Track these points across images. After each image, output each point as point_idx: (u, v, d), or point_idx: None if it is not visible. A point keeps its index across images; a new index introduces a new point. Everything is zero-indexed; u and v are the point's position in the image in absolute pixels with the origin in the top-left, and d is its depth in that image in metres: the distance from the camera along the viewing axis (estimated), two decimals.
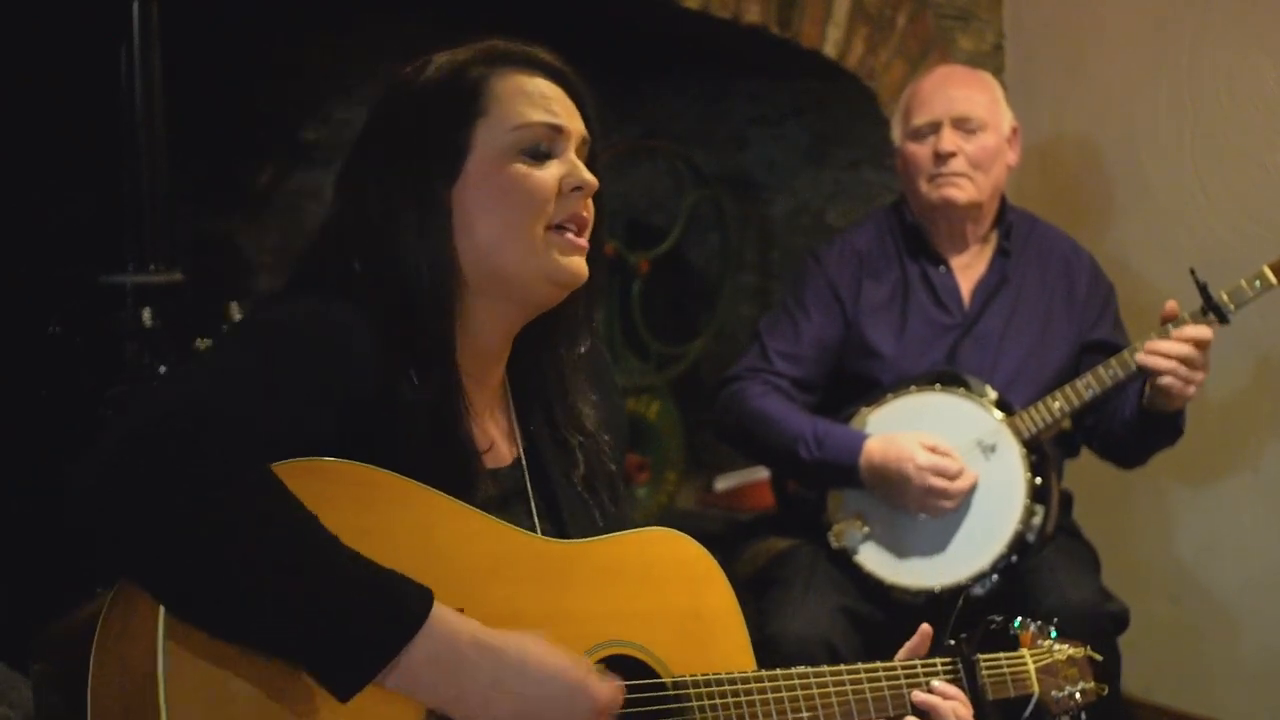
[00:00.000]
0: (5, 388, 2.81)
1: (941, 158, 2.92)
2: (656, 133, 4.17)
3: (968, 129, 2.93)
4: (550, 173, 1.62)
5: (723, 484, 4.07)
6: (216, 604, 1.34)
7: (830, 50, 3.54)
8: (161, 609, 1.34)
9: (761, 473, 3.70)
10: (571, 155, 1.64)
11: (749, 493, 3.94)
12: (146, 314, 2.54)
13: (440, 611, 1.40)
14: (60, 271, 2.79)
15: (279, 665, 1.37)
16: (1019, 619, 1.99)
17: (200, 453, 1.34)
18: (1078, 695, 1.99)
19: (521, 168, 1.60)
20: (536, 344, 1.71)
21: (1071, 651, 2.01)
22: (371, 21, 3.22)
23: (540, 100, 1.63)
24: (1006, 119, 3.01)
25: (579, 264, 1.64)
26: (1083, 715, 2.00)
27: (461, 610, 1.46)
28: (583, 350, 1.75)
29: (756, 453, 3.11)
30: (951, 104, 2.94)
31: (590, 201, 1.67)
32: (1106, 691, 2.04)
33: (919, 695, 1.80)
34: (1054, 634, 2.01)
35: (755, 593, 2.85)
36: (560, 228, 1.63)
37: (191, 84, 2.70)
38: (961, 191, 2.92)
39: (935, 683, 1.82)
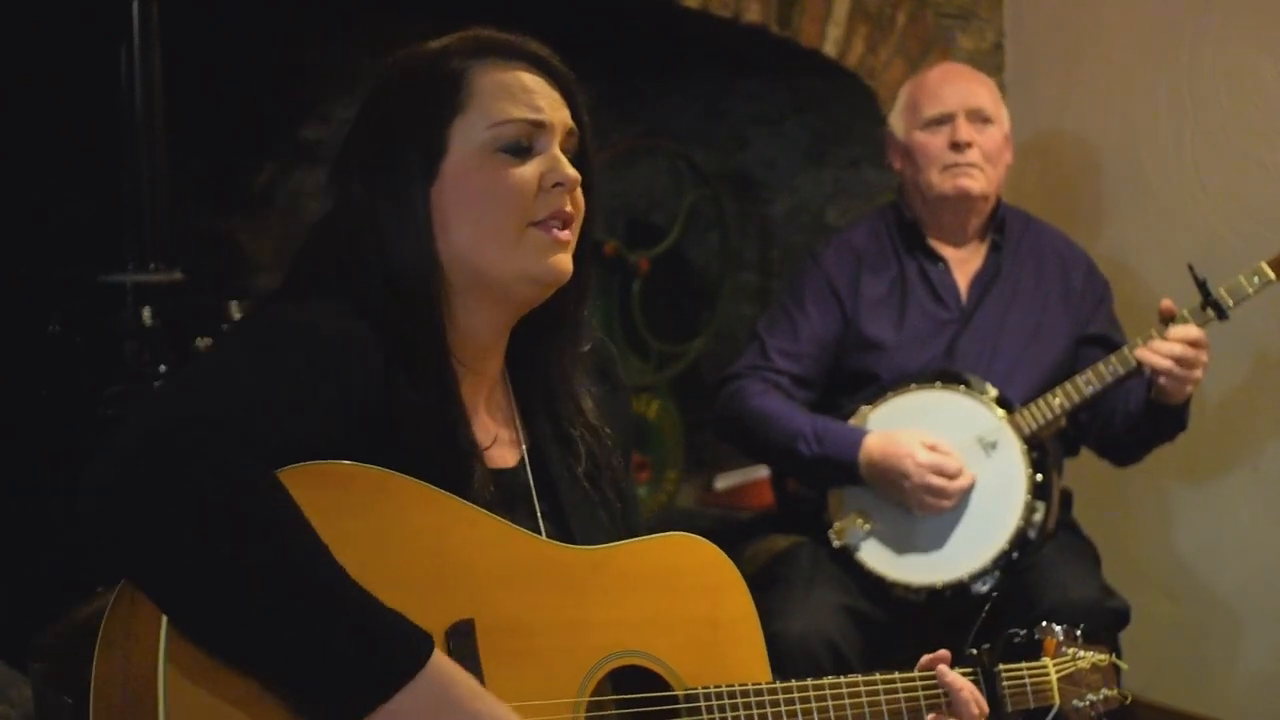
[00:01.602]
0: (5, 387, 2.81)
1: (959, 147, 2.92)
2: (656, 131, 4.17)
3: (981, 120, 2.95)
4: (530, 169, 1.58)
5: (723, 483, 4.07)
6: (213, 621, 1.32)
7: (830, 49, 3.54)
8: (164, 623, 1.32)
9: (762, 471, 3.70)
10: (554, 150, 1.60)
11: (749, 491, 3.94)
12: (146, 313, 2.54)
13: (439, 660, 1.37)
14: (60, 271, 2.79)
15: (274, 693, 1.35)
16: (1044, 623, 1.96)
17: (206, 461, 1.33)
18: (1100, 705, 1.96)
19: (500, 165, 1.57)
20: (535, 341, 1.69)
21: (1096, 659, 1.98)
22: (371, 21, 3.22)
23: (521, 94, 1.59)
24: (1007, 116, 3.03)
25: (561, 261, 1.60)
26: None
27: (473, 619, 1.45)
28: (586, 346, 1.73)
29: (757, 451, 3.11)
30: (966, 96, 2.96)
31: (578, 194, 1.62)
32: (1129, 699, 2.02)
33: (943, 670, 1.78)
34: (1079, 639, 1.98)
35: (757, 591, 2.84)
36: (543, 224, 1.59)
37: (191, 84, 2.70)
38: (975, 182, 2.93)
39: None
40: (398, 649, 1.35)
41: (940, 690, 1.78)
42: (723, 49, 3.73)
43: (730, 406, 2.97)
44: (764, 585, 2.87)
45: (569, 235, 1.61)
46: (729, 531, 3.61)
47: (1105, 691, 1.98)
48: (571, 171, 1.60)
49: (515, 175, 1.57)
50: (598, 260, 3.93)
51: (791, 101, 4.02)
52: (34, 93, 2.87)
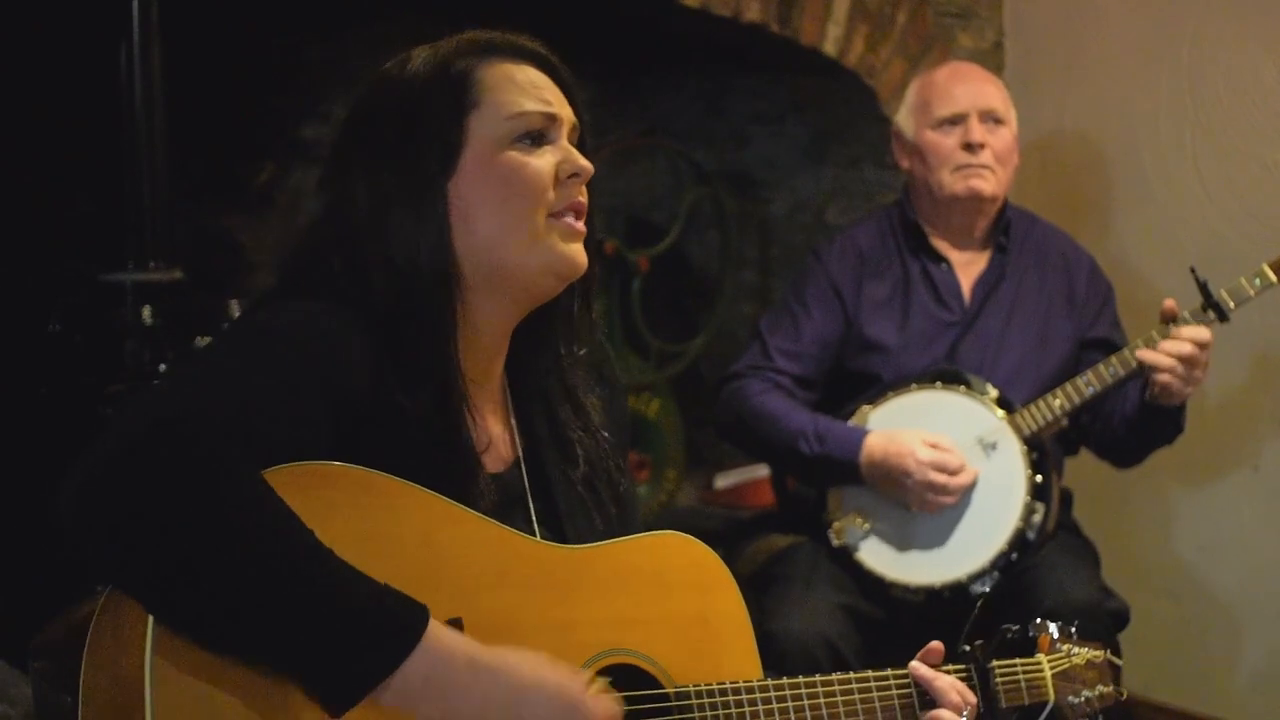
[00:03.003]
0: (5, 386, 2.82)
1: (972, 148, 2.92)
2: (656, 130, 4.17)
3: (993, 121, 2.95)
4: (546, 160, 1.60)
5: (723, 482, 4.07)
6: (206, 615, 1.32)
7: (830, 48, 3.54)
8: (150, 618, 1.32)
9: (762, 470, 3.70)
10: (565, 142, 1.62)
11: (749, 490, 3.94)
12: (147, 312, 2.54)
13: (436, 628, 1.38)
14: (60, 269, 2.80)
15: (267, 676, 1.35)
16: (1038, 620, 1.96)
17: (191, 461, 1.32)
18: (1096, 702, 1.96)
19: (519, 156, 1.58)
20: (534, 342, 1.69)
21: (1091, 655, 1.98)
22: (371, 21, 3.22)
23: (531, 89, 1.61)
24: (1015, 117, 3.02)
25: (579, 251, 1.62)
26: (1100, 719, 1.98)
27: (460, 619, 1.45)
28: (583, 350, 1.73)
29: (757, 450, 3.11)
30: (978, 96, 2.96)
31: (584, 188, 1.64)
32: (1125, 696, 2.02)
33: (919, 668, 1.78)
34: (1074, 636, 1.98)
35: (756, 590, 2.85)
36: (560, 215, 1.60)
37: (191, 83, 2.70)
38: (987, 183, 2.93)
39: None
40: (396, 622, 1.36)
41: (917, 690, 1.77)
42: (723, 48, 3.73)
43: (731, 406, 2.97)
44: (763, 584, 2.88)
45: (584, 226, 1.63)
46: (729, 531, 3.61)
47: (1101, 688, 1.97)
48: (586, 162, 1.62)
49: (535, 165, 1.59)
50: (598, 259, 3.93)
51: (791, 100, 4.02)
52: (34, 92, 2.87)
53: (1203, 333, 2.71)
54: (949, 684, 1.77)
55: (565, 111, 1.63)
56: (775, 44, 3.47)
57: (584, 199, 1.63)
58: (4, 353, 2.83)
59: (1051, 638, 1.95)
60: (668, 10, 3.22)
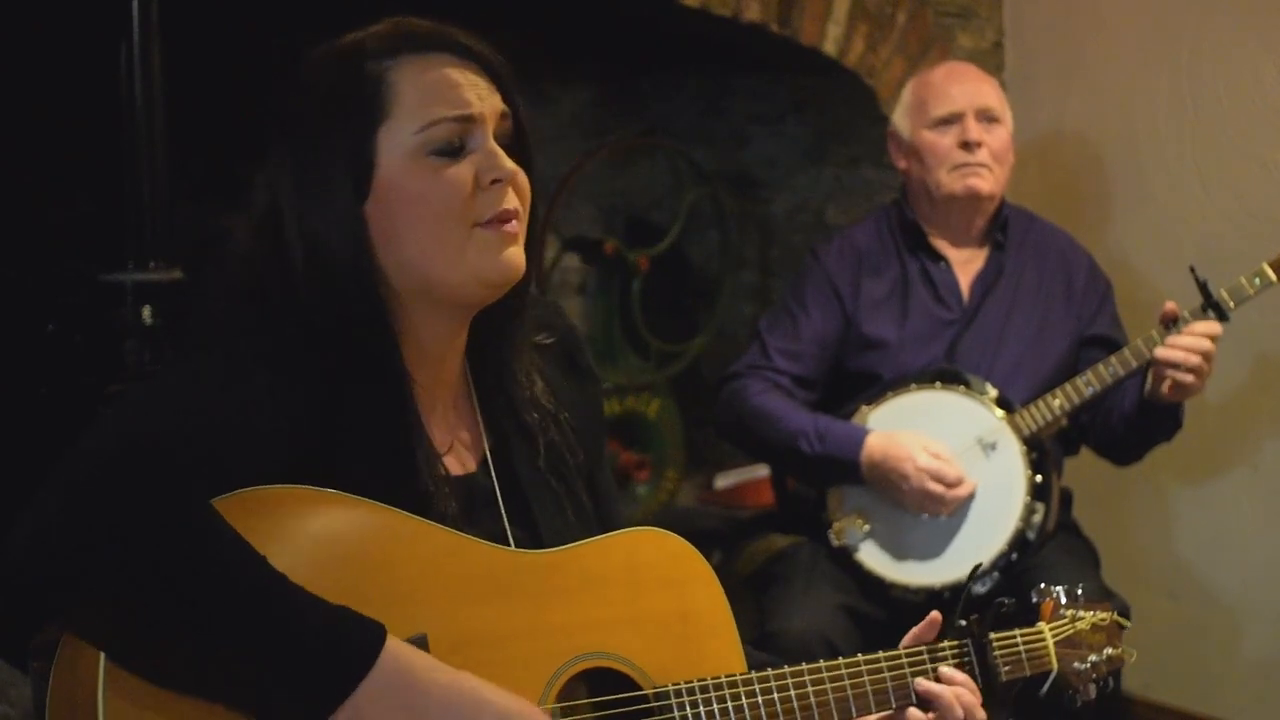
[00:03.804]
0: (5, 386, 2.82)
1: (969, 147, 2.92)
2: (656, 130, 4.17)
3: (989, 120, 2.95)
4: (465, 169, 1.51)
5: (723, 482, 4.07)
6: (156, 651, 1.31)
7: (830, 48, 3.54)
8: (102, 658, 1.31)
9: (762, 470, 3.70)
10: (489, 144, 1.52)
11: (749, 490, 3.94)
12: (147, 312, 2.53)
13: (394, 647, 1.36)
14: (60, 269, 2.79)
15: (223, 711, 1.33)
16: (1042, 584, 1.93)
17: (135, 494, 1.30)
18: (1103, 665, 1.91)
19: (433, 170, 1.50)
20: (492, 335, 1.63)
21: (1096, 618, 1.93)
22: (371, 21, 3.22)
23: (446, 90, 1.51)
24: (1010, 116, 3.03)
25: (513, 256, 1.53)
26: (1110, 681, 1.93)
27: (425, 635, 1.42)
28: (544, 335, 1.69)
29: (757, 449, 3.11)
30: (974, 95, 2.96)
31: (520, 180, 1.54)
32: (1134, 657, 1.96)
33: (922, 683, 1.71)
34: (1080, 599, 1.92)
35: (755, 590, 2.85)
36: (488, 223, 1.52)
37: (191, 83, 2.70)
38: (984, 182, 2.93)
39: (942, 669, 1.73)
40: (351, 642, 1.34)
41: (928, 666, 1.73)
42: (723, 48, 3.73)
43: (731, 405, 2.97)
44: (763, 584, 2.88)
45: (516, 227, 1.54)
46: (729, 531, 3.62)
47: (1109, 651, 1.92)
48: (508, 164, 1.53)
49: (451, 178, 1.50)
50: (598, 259, 3.94)
51: (791, 100, 4.02)
52: (34, 91, 2.87)
53: (1215, 327, 2.71)
54: (954, 700, 1.71)
55: (488, 105, 1.53)
56: (775, 44, 3.47)
57: (512, 204, 1.53)
58: (4, 353, 2.83)
59: (1057, 603, 1.91)
60: (668, 10, 3.22)
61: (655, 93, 4.20)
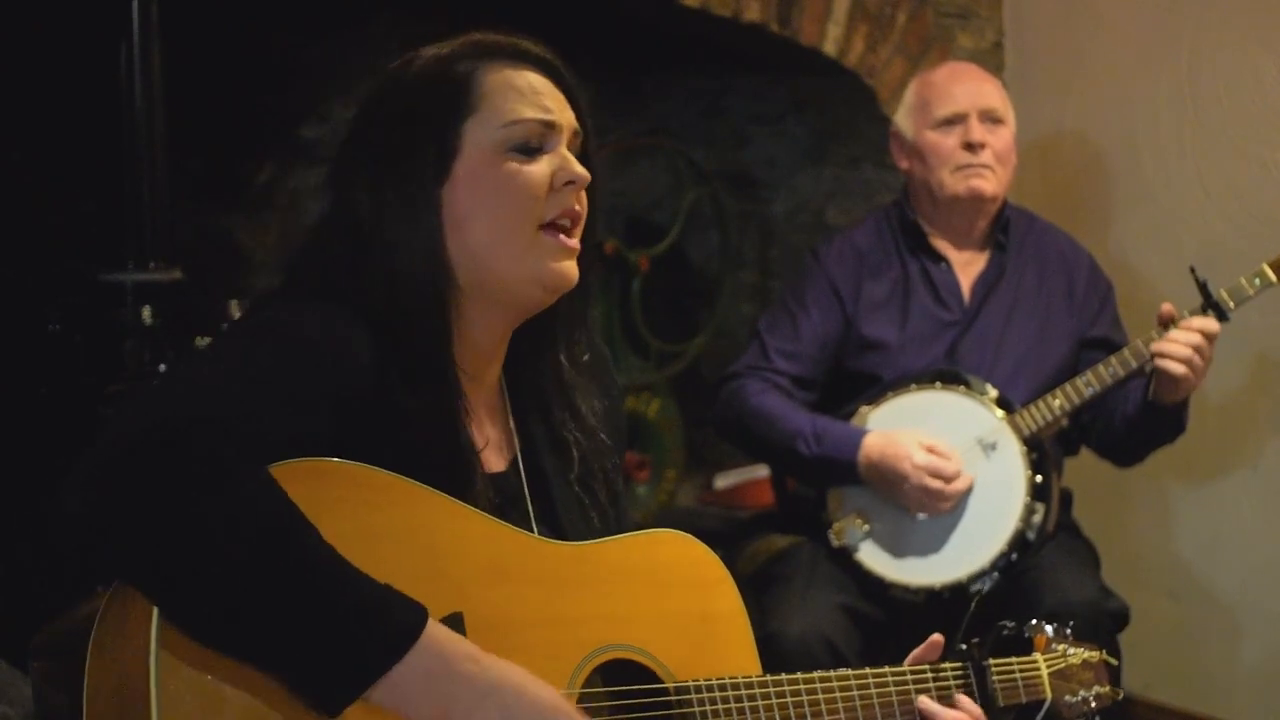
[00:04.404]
0: (5, 386, 2.82)
1: (973, 148, 2.92)
2: (656, 130, 4.17)
3: (993, 121, 2.95)
4: (541, 168, 1.59)
5: (723, 482, 4.07)
6: (207, 611, 1.33)
7: (830, 48, 3.54)
8: (155, 611, 1.33)
9: (762, 470, 3.70)
10: (563, 149, 1.62)
11: (749, 491, 3.94)
12: (146, 312, 2.53)
13: (435, 629, 1.39)
14: (61, 269, 2.79)
15: (271, 686, 1.35)
16: (1033, 620, 1.96)
17: (193, 456, 1.33)
18: (1092, 701, 1.96)
19: (513, 165, 1.58)
20: (534, 344, 1.69)
21: (1086, 655, 1.98)
22: (372, 20, 3.22)
23: (530, 95, 1.60)
24: (1013, 117, 3.02)
25: (569, 268, 1.62)
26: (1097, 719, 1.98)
27: (461, 613, 1.45)
28: (586, 354, 1.74)
29: (756, 450, 3.11)
30: (978, 96, 2.96)
31: (583, 195, 1.64)
32: (1121, 696, 2.02)
33: (925, 701, 1.76)
34: (1069, 636, 1.98)
35: (756, 590, 2.85)
36: (553, 226, 1.60)
37: (192, 83, 2.70)
38: (988, 183, 2.93)
39: (956, 696, 1.78)
40: (394, 620, 1.37)
41: (931, 685, 1.77)
42: (723, 48, 3.73)
43: (730, 405, 2.97)
44: (763, 584, 2.88)
45: (576, 242, 1.62)
46: (729, 531, 3.61)
47: (1098, 688, 1.97)
48: (582, 170, 1.62)
49: (528, 174, 1.58)
50: (598, 259, 3.94)
51: (791, 100, 4.02)
52: (34, 91, 2.87)
53: (1211, 324, 2.72)
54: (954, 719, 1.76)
55: (565, 117, 1.62)
56: (775, 44, 3.47)
57: (580, 206, 1.63)
58: (4, 353, 2.83)
59: (1047, 638, 1.95)
60: (668, 10, 3.22)
61: (655, 93, 4.20)
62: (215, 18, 2.96)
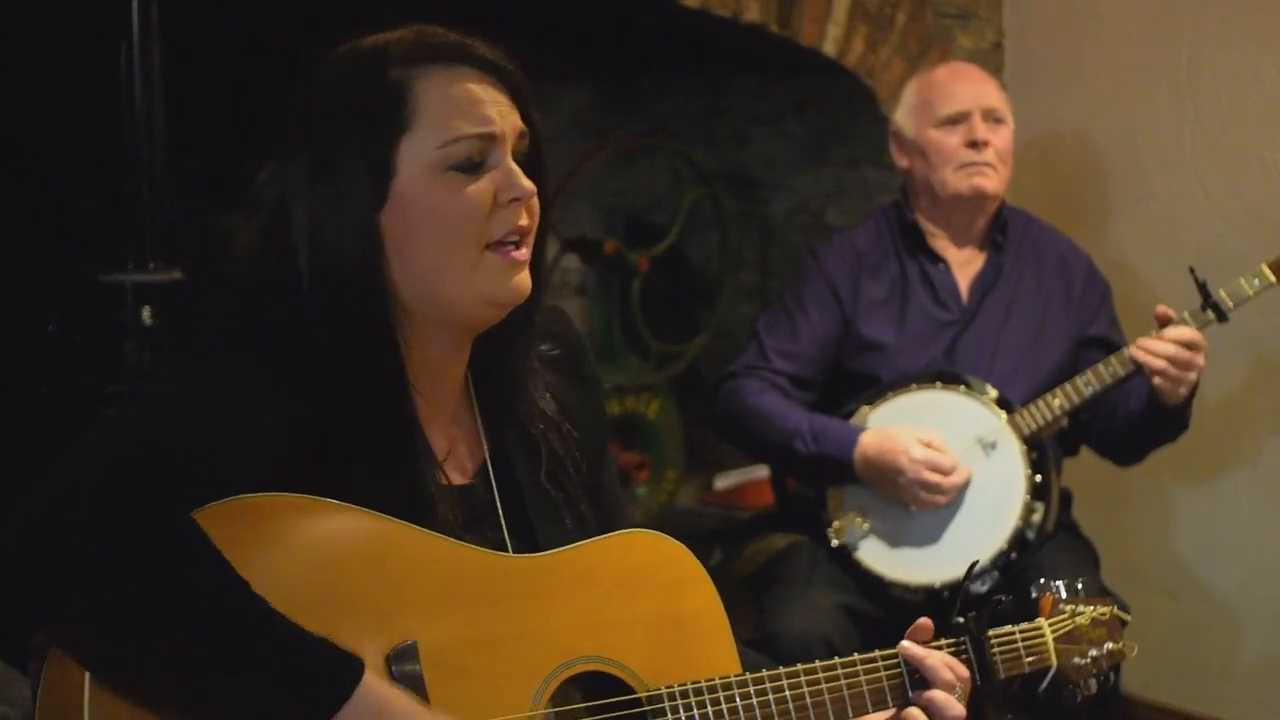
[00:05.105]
0: (5, 386, 2.81)
1: (976, 146, 2.92)
2: (656, 130, 4.17)
3: (995, 120, 2.95)
4: (484, 186, 1.50)
5: (723, 482, 4.07)
6: (135, 673, 1.31)
7: (830, 48, 3.54)
8: (87, 675, 1.32)
9: (761, 471, 3.70)
10: (507, 162, 1.52)
11: (749, 491, 3.94)
12: (146, 312, 2.53)
13: (370, 682, 1.35)
14: (61, 269, 2.79)
15: None
16: (1041, 580, 1.92)
17: (119, 509, 1.31)
18: (1103, 660, 1.90)
19: (453, 185, 1.49)
20: (497, 344, 1.63)
21: (1096, 613, 1.92)
22: (371, 21, 3.21)
23: (469, 106, 1.50)
24: (1013, 117, 3.03)
25: (521, 281, 1.54)
26: (1111, 676, 1.92)
27: (415, 642, 1.42)
28: (547, 345, 1.69)
29: (755, 449, 3.11)
30: (980, 94, 2.97)
31: (534, 202, 1.55)
32: (1135, 651, 1.95)
33: (908, 646, 1.70)
34: (1080, 594, 1.92)
35: (755, 590, 2.85)
36: (500, 244, 1.52)
37: (192, 83, 2.70)
38: (990, 181, 2.94)
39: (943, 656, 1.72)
40: (325, 676, 1.33)
41: (907, 669, 1.71)
42: (723, 48, 3.73)
43: (729, 405, 2.97)
44: (763, 584, 2.88)
45: (526, 253, 1.55)
46: (729, 531, 3.61)
47: (1109, 645, 1.92)
48: (526, 183, 1.52)
49: (469, 195, 1.50)
50: (598, 260, 3.94)
51: (791, 100, 4.02)
52: (34, 91, 2.87)
53: (1187, 332, 2.72)
54: (940, 660, 1.71)
55: (509, 123, 1.53)
56: (775, 44, 3.47)
57: (526, 221, 1.54)
58: (4, 353, 2.83)
59: (1056, 598, 1.91)
60: (668, 10, 3.22)
61: (655, 93, 4.20)
62: (215, 18, 2.96)
